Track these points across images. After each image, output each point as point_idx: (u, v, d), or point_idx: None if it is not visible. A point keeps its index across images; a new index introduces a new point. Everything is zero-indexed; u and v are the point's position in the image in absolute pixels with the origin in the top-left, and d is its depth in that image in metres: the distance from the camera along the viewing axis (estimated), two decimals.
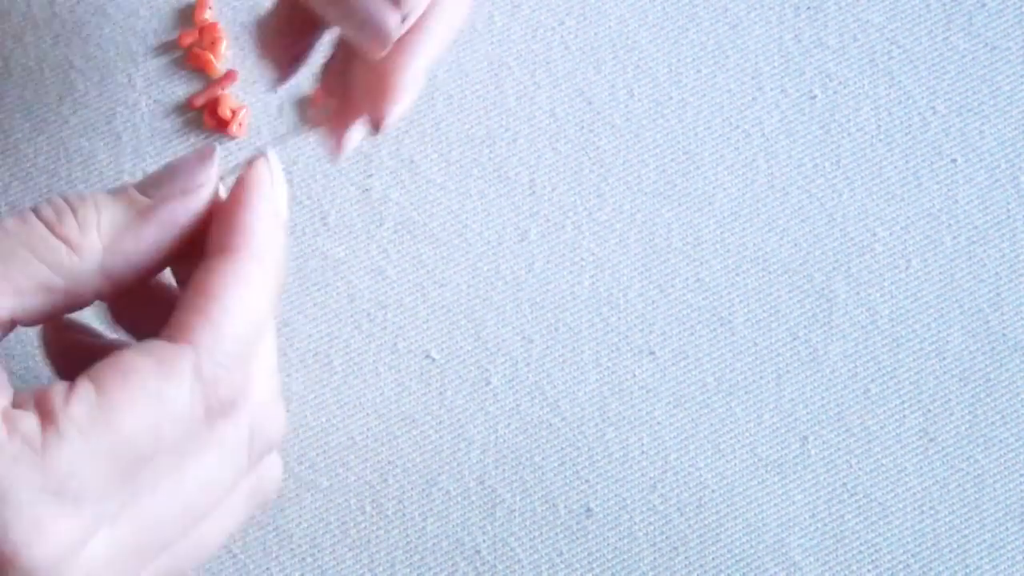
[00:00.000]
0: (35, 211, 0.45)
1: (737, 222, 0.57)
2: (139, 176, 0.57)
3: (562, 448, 0.55)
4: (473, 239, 0.57)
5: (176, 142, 0.57)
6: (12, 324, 0.44)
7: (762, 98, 0.58)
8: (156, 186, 0.46)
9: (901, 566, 0.55)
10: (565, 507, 0.55)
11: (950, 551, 0.55)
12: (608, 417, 0.55)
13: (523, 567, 0.54)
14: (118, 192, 0.46)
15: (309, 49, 0.51)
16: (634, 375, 0.56)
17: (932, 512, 0.55)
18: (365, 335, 0.56)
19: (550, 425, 0.55)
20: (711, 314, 0.56)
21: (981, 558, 0.55)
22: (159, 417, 0.42)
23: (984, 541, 0.55)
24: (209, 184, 0.46)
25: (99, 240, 0.45)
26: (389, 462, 0.55)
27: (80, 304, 0.45)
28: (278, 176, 0.48)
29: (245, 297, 0.45)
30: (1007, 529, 0.55)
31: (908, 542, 0.55)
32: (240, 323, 0.44)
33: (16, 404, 0.43)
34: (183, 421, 0.43)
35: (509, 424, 0.55)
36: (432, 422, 0.55)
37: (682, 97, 0.58)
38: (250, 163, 0.47)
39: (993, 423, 0.56)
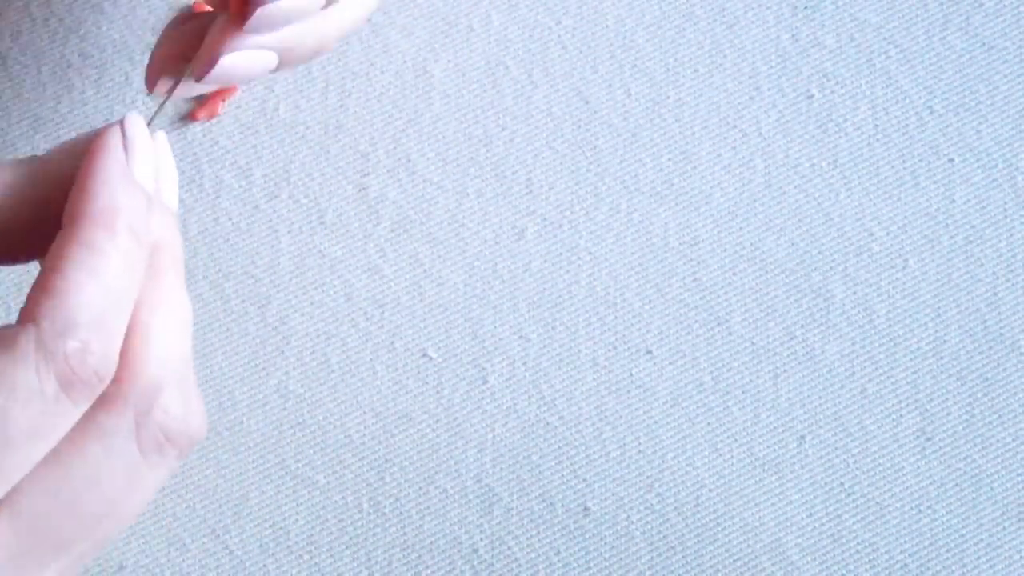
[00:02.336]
0: None
1: (734, 221, 0.57)
2: None
3: (559, 447, 0.55)
4: (470, 238, 0.57)
5: (174, 142, 0.57)
6: None
7: (759, 98, 0.58)
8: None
9: (898, 565, 0.55)
10: (562, 506, 0.55)
11: (947, 551, 0.55)
12: (605, 416, 0.55)
13: (520, 566, 0.54)
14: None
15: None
16: (631, 374, 0.56)
17: (929, 512, 0.55)
18: (362, 334, 0.56)
19: (547, 424, 0.55)
20: (708, 313, 0.56)
21: (978, 557, 0.55)
22: (5, 399, 0.40)
23: (981, 541, 0.55)
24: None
25: None
26: (386, 460, 0.55)
27: None
28: (141, 142, 0.45)
29: (90, 266, 0.42)
30: (1004, 529, 0.55)
31: (905, 542, 0.55)
32: (86, 293, 0.41)
33: None
34: (34, 401, 0.40)
35: (506, 423, 0.55)
36: (429, 420, 0.55)
37: (679, 97, 0.58)
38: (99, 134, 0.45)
39: (990, 423, 0.56)
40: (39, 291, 0.41)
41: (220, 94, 0.57)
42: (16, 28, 0.58)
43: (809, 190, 0.58)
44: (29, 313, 0.41)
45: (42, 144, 0.57)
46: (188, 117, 0.57)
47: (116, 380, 0.43)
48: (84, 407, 0.42)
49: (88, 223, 0.42)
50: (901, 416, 0.56)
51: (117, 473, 0.42)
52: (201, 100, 0.57)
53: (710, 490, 0.55)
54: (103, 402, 0.42)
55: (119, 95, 0.57)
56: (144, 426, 0.43)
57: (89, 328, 0.41)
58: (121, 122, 0.45)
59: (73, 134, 0.57)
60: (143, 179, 0.45)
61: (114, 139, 0.44)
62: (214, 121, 0.57)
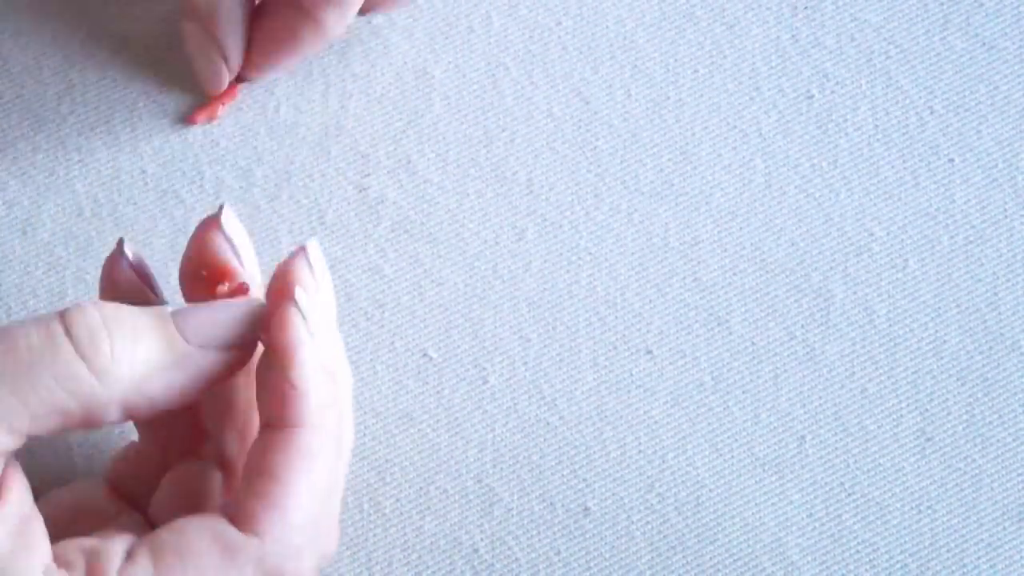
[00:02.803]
0: (66, 328, 0.42)
1: (734, 222, 0.57)
2: (136, 174, 0.57)
3: (560, 447, 0.55)
4: (470, 238, 0.57)
5: (174, 141, 0.57)
6: (23, 443, 0.43)
7: (759, 98, 0.58)
8: (198, 330, 0.44)
9: (898, 565, 0.55)
10: (563, 506, 0.55)
11: (947, 551, 0.55)
12: (606, 416, 0.55)
13: (521, 566, 0.54)
14: (157, 325, 0.43)
15: None
16: (631, 374, 0.56)
17: (930, 512, 0.55)
18: (363, 334, 0.56)
19: (548, 424, 0.55)
20: (708, 313, 0.56)
21: (978, 557, 0.55)
22: None
23: (981, 541, 0.55)
24: (251, 347, 0.44)
25: (128, 374, 0.42)
26: (387, 461, 0.55)
27: (91, 427, 0.44)
28: (324, 280, 0.46)
29: (309, 475, 0.43)
30: (1004, 529, 0.55)
31: (906, 541, 0.55)
32: (306, 508, 0.43)
33: (63, 561, 0.42)
34: None
35: (507, 423, 0.55)
36: (430, 421, 0.55)
37: (679, 97, 0.58)
38: (275, 306, 0.45)
39: (990, 423, 0.56)
40: (263, 502, 0.43)
41: (220, 98, 0.57)
42: (16, 28, 0.58)
43: (809, 190, 0.58)
44: (252, 523, 0.43)
45: (42, 144, 0.57)
46: (187, 120, 0.57)
47: (260, 522, 0.44)
48: None
49: (303, 431, 0.43)
50: (901, 416, 0.56)
51: None
52: (201, 104, 0.57)
53: (710, 490, 0.55)
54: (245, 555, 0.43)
55: (119, 95, 0.57)
56: None
57: (301, 547, 0.43)
58: (306, 256, 0.45)
59: (72, 133, 0.57)
60: (330, 317, 0.45)
61: (298, 324, 0.44)
62: (215, 123, 0.57)
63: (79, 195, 0.56)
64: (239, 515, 0.43)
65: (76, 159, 0.57)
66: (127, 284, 0.46)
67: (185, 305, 0.45)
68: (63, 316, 0.42)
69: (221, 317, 0.44)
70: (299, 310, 0.44)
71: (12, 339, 0.42)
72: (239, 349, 0.44)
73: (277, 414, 0.44)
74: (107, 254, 0.47)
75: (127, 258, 0.46)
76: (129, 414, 0.43)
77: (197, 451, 0.48)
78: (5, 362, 0.41)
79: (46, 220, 0.56)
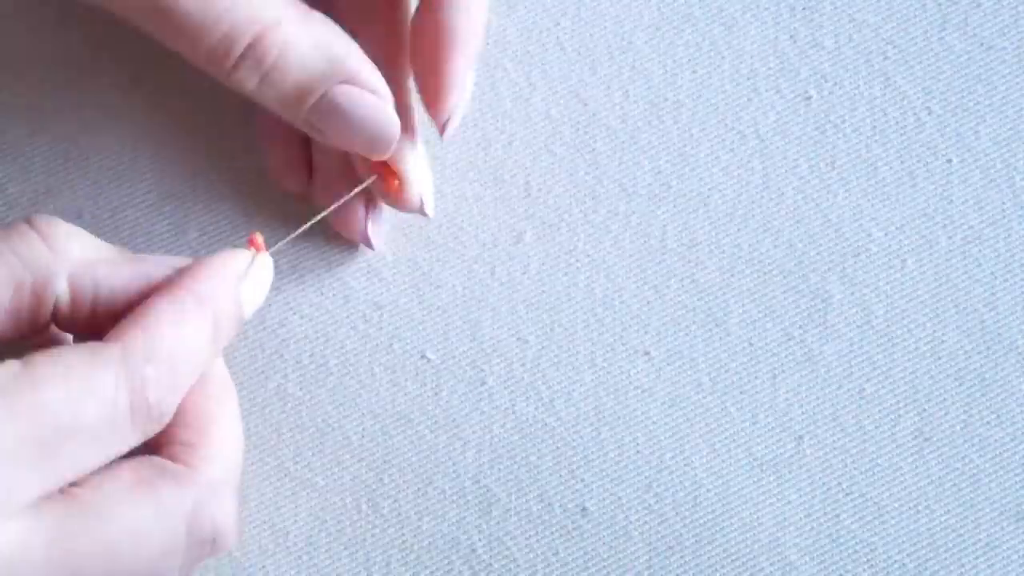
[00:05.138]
0: (28, 218, 0.46)
1: (732, 223, 0.57)
2: (136, 175, 0.57)
3: (557, 448, 0.55)
4: (468, 240, 0.57)
5: (174, 141, 0.57)
6: None
7: (757, 99, 0.58)
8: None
9: (896, 565, 0.55)
10: (560, 506, 0.55)
11: (945, 550, 0.55)
12: (603, 417, 0.55)
13: (519, 566, 0.54)
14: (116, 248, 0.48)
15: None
16: (629, 375, 0.56)
17: (927, 512, 0.55)
18: (361, 336, 0.56)
19: (545, 425, 0.55)
20: (706, 314, 0.57)
21: (976, 557, 0.55)
22: (81, 393, 0.42)
23: (979, 541, 0.55)
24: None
25: (77, 251, 0.46)
26: (385, 462, 0.55)
27: (38, 319, 0.46)
28: (262, 268, 0.49)
29: (179, 323, 0.45)
30: (1002, 528, 0.55)
31: (903, 541, 0.55)
32: (170, 337, 0.45)
33: None
34: (106, 406, 0.43)
35: (504, 424, 0.55)
36: (428, 422, 0.55)
37: (677, 98, 0.58)
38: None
39: (988, 423, 0.56)
40: (130, 321, 0.44)
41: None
42: (16, 28, 0.58)
43: (807, 191, 0.58)
44: (117, 334, 0.44)
45: (42, 144, 0.57)
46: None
47: (189, 464, 0.46)
48: (139, 438, 0.44)
49: (184, 292, 0.46)
50: (899, 416, 0.56)
51: (155, 544, 0.44)
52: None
53: (708, 490, 0.55)
54: (174, 477, 0.45)
55: (120, 95, 0.57)
56: (199, 516, 0.45)
57: (164, 364, 0.44)
58: (253, 251, 0.49)
59: (73, 134, 0.57)
60: (247, 303, 0.48)
61: (242, 256, 0.48)
62: (215, 123, 0.57)
63: (79, 195, 0.57)
64: (108, 335, 0.45)
65: (76, 159, 0.57)
66: None
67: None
68: (28, 218, 0.46)
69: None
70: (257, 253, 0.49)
71: None
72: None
73: (174, 280, 0.47)
74: None
75: None
76: (72, 302, 0.46)
77: None
78: None
79: None
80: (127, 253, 0.48)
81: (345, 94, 0.49)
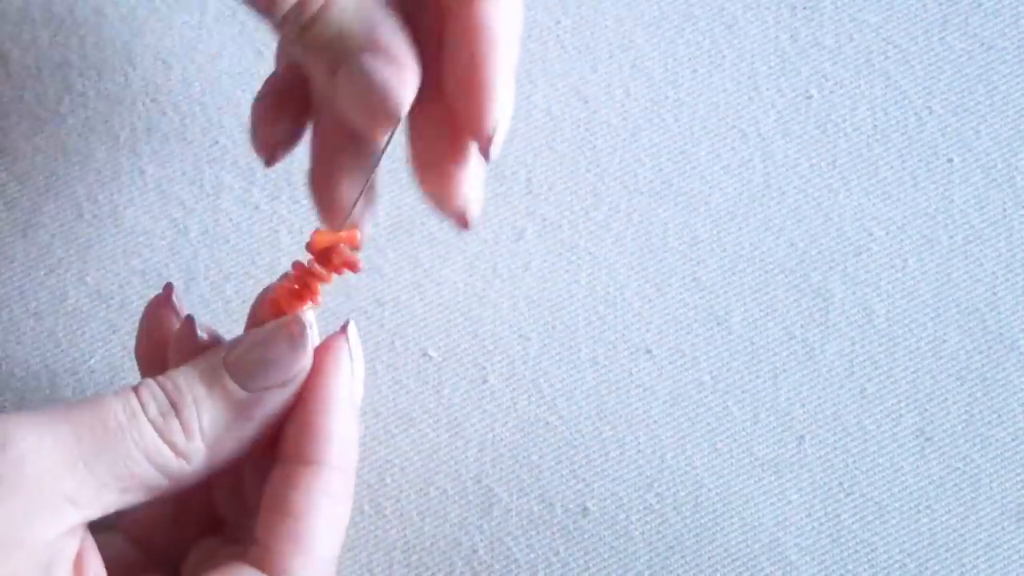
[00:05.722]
0: (143, 406, 0.44)
1: (734, 221, 0.57)
2: (136, 175, 0.57)
3: (559, 447, 0.55)
4: (470, 238, 0.57)
5: (173, 142, 0.57)
6: (112, 516, 0.44)
7: (758, 98, 0.58)
8: (250, 377, 0.45)
9: (897, 565, 0.55)
10: (562, 506, 0.55)
11: (946, 550, 0.55)
12: (605, 415, 0.55)
13: (520, 566, 0.54)
14: (214, 383, 0.45)
15: (301, 132, 0.49)
16: (631, 374, 0.56)
17: (928, 511, 0.55)
18: (363, 333, 0.56)
19: (547, 423, 0.55)
20: (708, 313, 0.57)
21: (977, 557, 0.55)
22: None
23: (980, 540, 0.55)
24: (303, 373, 0.46)
25: (203, 444, 0.45)
26: (387, 461, 0.55)
27: (177, 492, 0.46)
28: (357, 354, 0.47)
29: (332, 515, 0.45)
30: (1003, 528, 0.55)
31: (904, 541, 0.55)
32: (329, 544, 0.45)
33: None
34: None
35: (506, 422, 0.55)
36: (429, 420, 0.55)
37: (678, 97, 0.58)
38: (327, 345, 0.46)
39: (989, 422, 0.56)
40: (288, 542, 0.44)
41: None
42: (16, 28, 0.58)
43: (808, 190, 0.58)
44: (278, 563, 0.44)
45: (42, 144, 0.57)
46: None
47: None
48: None
49: (328, 470, 0.45)
50: (900, 416, 0.56)
51: None
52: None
53: (709, 490, 0.55)
54: None
55: (119, 95, 0.57)
56: None
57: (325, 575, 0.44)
58: (346, 336, 0.47)
59: (72, 134, 0.57)
60: (357, 393, 0.47)
61: (346, 361, 0.46)
62: (215, 124, 0.57)
63: (79, 196, 0.56)
64: (266, 558, 0.44)
65: (76, 160, 0.57)
66: (179, 336, 0.48)
67: (230, 339, 0.47)
68: (137, 392, 0.44)
69: (265, 351, 0.45)
70: (348, 346, 0.46)
71: (101, 412, 0.44)
72: (292, 380, 0.46)
73: (304, 450, 0.45)
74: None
75: (175, 305, 0.49)
76: (212, 472, 0.45)
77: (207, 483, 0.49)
78: (95, 437, 0.43)
79: (46, 221, 0.56)
80: (228, 389, 0.46)
81: (372, 59, 0.46)
